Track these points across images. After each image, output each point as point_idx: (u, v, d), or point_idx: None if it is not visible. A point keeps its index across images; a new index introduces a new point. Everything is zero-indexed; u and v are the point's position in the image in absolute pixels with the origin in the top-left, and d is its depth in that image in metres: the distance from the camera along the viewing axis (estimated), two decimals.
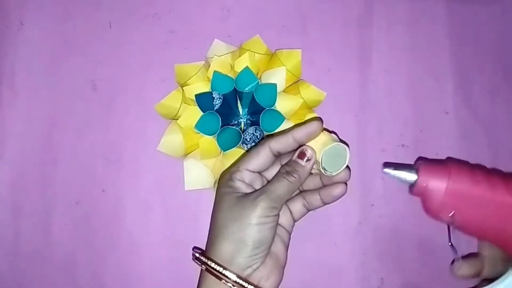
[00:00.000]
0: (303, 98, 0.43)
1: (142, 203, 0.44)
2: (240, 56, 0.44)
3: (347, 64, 0.46)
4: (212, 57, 0.44)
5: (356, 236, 0.43)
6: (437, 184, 0.32)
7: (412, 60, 0.46)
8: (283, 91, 0.44)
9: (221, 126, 0.42)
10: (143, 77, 0.46)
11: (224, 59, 0.44)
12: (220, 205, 0.35)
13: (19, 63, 0.46)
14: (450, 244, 0.32)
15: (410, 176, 0.33)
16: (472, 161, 0.45)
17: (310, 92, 0.44)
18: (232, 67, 0.44)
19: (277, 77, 0.43)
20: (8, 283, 0.44)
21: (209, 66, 0.44)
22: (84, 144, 0.45)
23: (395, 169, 0.33)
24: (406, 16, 0.47)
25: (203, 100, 0.43)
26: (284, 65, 0.43)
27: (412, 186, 0.33)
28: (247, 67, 0.43)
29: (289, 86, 0.44)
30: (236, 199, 0.34)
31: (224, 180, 0.36)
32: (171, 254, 0.44)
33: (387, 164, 0.34)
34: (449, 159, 0.34)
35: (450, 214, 0.31)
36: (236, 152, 0.42)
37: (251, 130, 0.42)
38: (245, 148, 0.42)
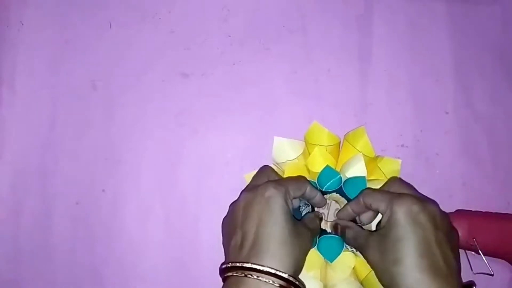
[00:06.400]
0: (383, 173, 0.41)
1: (142, 203, 0.44)
2: (308, 151, 0.42)
3: (347, 64, 0.46)
4: (284, 162, 0.42)
5: None
6: (461, 224, 0.41)
7: (412, 60, 0.46)
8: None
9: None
10: (143, 77, 0.46)
11: (297, 163, 0.42)
12: (278, 218, 0.34)
13: (19, 63, 0.46)
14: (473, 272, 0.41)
15: None
16: (472, 161, 0.45)
17: (386, 163, 0.42)
18: (307, 168, 0.42)
19: (357, 165, 0.41)
20: (8, 283, 0.44)
21: (282, 172, 0.42)
22: (84, 144, 0.45)
23: None
24: (406, 16, 0.47)
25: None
26: (355, 147, 0.41)
27: None
28: (327, 166, 0.41)
29: (369, 168, 0.42)
30: (291, 218, 0.35)
31: (282, 193, 0.35)
32: (171, 254, 0.44)
33: None
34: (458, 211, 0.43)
35: (473, 242, 0.40)
36: (345, 257, 0.40)
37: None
38: (349, 249, 0.40)
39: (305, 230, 0.36)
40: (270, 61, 0.46)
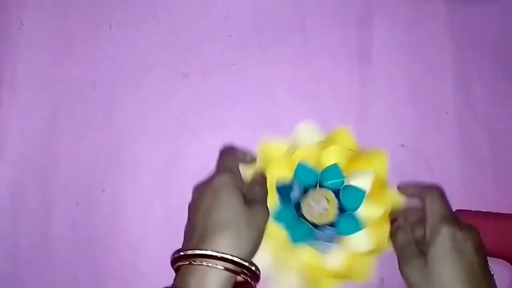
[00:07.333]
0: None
1: (142, 203, 0.44)
2: (326, 146, 0.43)
3: (347, 64, 0.46)
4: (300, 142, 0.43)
5: None
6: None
7: (412, 60, 0.46)
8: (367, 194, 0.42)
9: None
10: (143, 77, 0.46)
11: (311, 149, 0.42)
12: (223, 204, 0.35)
13: (19, 63, 0.46)
14: None
15: None
16: (472, 161, 0.45)
17: (391, 198, 0.42)
18: (318, 157, 0.43)
19: (364, 179, 0.41)
20: (8, 283, 0.44)
21: (294, 149, 0.43)
22: (84, 144, 0.45)
23: None
24: (406, 16, 0.47)
25: (283, 192, 0.42)
26: (371, 166, 0.42)
27: None
28: (336, 164, 0.41)
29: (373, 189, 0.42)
30: (240, 201, 0.35)
31: (230, 178, 0.36)
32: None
33: None
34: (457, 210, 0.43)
35: None
36: (307, 250, 0.41)
37: (326, 231, 0.41)
38: (316, 246, 0.41)
39: (255, 206, 0.36)
40: (270, 61, 0.46)
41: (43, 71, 0.46)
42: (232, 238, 0.33)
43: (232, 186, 0.35)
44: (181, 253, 0.33)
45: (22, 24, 0.47)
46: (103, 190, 0.45)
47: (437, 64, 0.46)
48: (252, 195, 0.37)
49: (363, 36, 0.47)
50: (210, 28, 0.47)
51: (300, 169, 0.42)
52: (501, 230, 0.41)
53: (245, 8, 0.47)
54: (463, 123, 0.45)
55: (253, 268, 0.33)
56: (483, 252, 0.35)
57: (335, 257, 0.41)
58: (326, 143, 0.43)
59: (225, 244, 0.32)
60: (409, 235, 0.37)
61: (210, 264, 0.31)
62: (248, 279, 0.33)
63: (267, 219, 0.36)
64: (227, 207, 0.34)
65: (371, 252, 0.41)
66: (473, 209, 0.42)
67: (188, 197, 0.44)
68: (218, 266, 0.31)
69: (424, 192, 0.38)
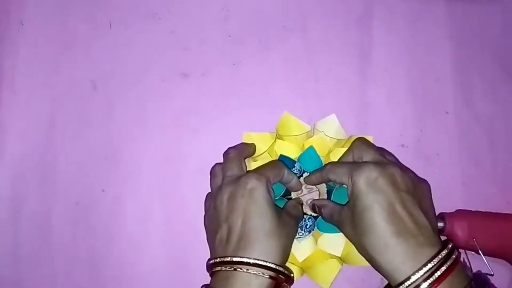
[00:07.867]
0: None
1: (142, 203, 0.44)
2: (342, 146, 0.43)
3: (347, 64, 0.46)
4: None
5: None
6: (461, 224, 0.41)
7: (412, 60, 0.46)
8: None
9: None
10: (143, 77, 0.46)
11: (326, 142, 0.43)
12: (262, 209, 0.34)
13: (19, 63, 0.46)
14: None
15: (440, 224, 0.41)
16: (472, 161, 0.45)
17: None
18: (329, 152, 0.43)
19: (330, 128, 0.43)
20: (8, 284, 0.44)
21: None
22: (84, 144, 0.45)
23: None
24: (406, 16, 0.47)
25: (285, 162, 0.41)
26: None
27: (441, 231, 0.41)
28: (311, 146, 0.42)
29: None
30: (275, 208, 0.35)
31: (265, 184, 0.35)
32: (171, 254, 0.44)
33: None
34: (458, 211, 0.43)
35: (473, 242, 0.40)
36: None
37: (306, 219, 0.41)
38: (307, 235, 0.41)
39: (288, 218, 0.37)
40: (270, 61, 0.46)
41: (43, 71, 0.46)
42: (273, 246, 0.33)
43: (268, 192, 0.35)
44: (225, 259, 0.33)
45: (22, 24, 0.47)
46: (103, 190, 0.45)
47: (437, 64, 0.46)
48: (291, 209, 0.39)
49: (363, 36, 0.47)
50: (210, 28, 0.47)
51: (308, 153, 0.42)
52: (501, 230, 0.41)
53: (245, 8, 0.47)
54: (463, 123, 0.45)
55: (292, 275, 0.34)
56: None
57: (305, 248, 0.41)
58: (343, 142, 0.44)
59: (267, 252, 0.33)
60: (327, 203, 0.39)
61: (256, 272, 0.32)
62: (287, 285, 0.34)
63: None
64: (266, 214, 0.34)
65: (337, 258, 0.42)
66: (473, 209, 0.43)
67: (188, 197, 0.44)
68: (264, 275, 0.32)
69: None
